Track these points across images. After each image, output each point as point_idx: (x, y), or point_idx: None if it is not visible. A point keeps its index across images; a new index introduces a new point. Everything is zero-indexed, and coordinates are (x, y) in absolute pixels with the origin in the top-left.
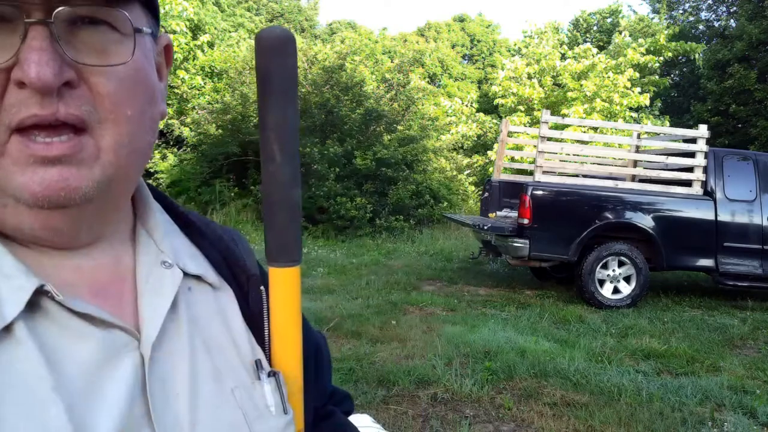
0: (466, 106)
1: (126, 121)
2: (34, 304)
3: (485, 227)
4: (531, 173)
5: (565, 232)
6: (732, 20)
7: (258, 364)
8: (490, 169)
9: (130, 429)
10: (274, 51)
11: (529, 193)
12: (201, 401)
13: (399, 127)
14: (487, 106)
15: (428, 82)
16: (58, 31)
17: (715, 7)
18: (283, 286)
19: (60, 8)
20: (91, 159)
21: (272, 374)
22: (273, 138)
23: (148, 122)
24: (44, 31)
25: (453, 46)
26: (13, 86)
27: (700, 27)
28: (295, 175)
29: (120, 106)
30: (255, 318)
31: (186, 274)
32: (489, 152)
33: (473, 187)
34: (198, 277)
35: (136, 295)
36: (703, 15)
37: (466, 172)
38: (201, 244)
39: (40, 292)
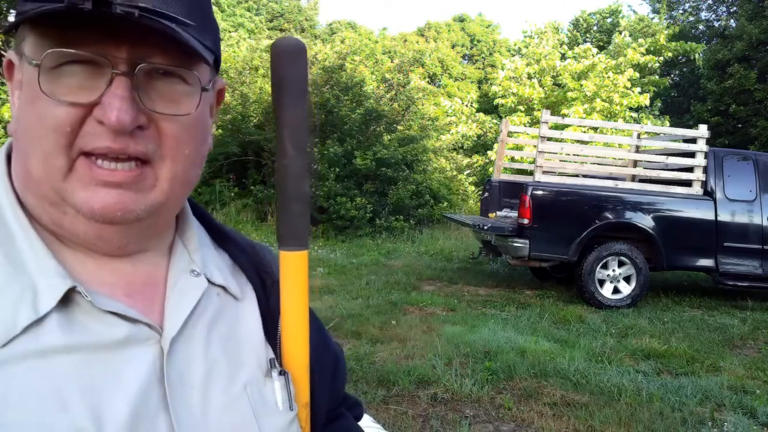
0: (466, 106)
1: (183, 158)
2: (70, 301)
3: (485, 227)
4: (531, 173)
5: (565, 232)
6: (732, 20)
7: (272, 362)
8: (490, 169)
9: (146, 411)
10: (289, 59)
11: (529, 193)
12: (214, 394)
13: (399, 127)
14: (487, 106)
15: (428, 82)
16: (138, 82)
17: (715, 7)
18: (294, 269)
19: (142, 65)
20: (148, 188)
21: (283, 373)
22: (287, 135)
23: (199, 159)
24: (127, 81)
25: (453, 46)
26: (92, 120)
27: (700, 27)
28: (305, 169)
29: (180, 147)
30: (272, 317)
31: (213, 283)
32: (489, 152)
33: (473, 187)
34: (224, 288)
35: (165, 298)
36: (703, 15)
37: (466, 172)
38: (232, 252)
39: (74, 291)
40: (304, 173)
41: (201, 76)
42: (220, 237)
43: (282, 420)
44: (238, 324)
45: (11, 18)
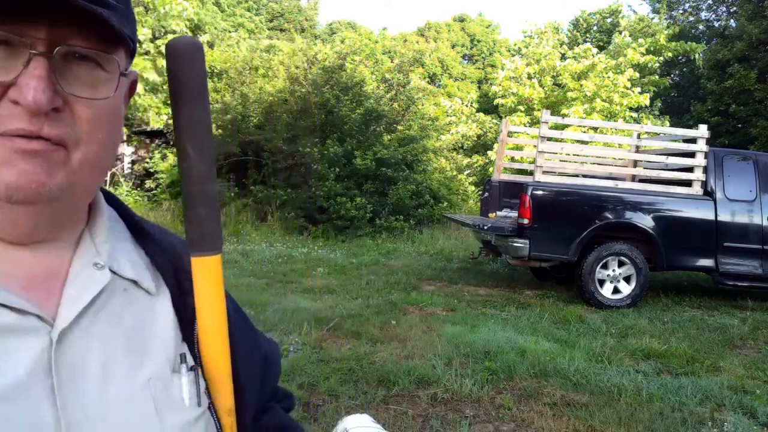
0: (466, 106)
1: (97, 143)
2: None
3: (485, 227)
4: (531, 173)
5: (565, 232)
6: (732, 20)
7: (182, 357)
8: (490, 169)
9: (28, 403)
10: (183, 58)
11: (529, 193)
12: (112, 388)
13: (399, 127)
14: (487, 106)
15: (428, 82)
16: (56, 64)
17: (715, 7)
18: (206, 274)
19: (61, 46)
20: (61, 163)
21: (192, 368)
22: (186, 137)
23: (112, 145)
24: (45, 62)
25: (453, 46)
26: (7, 101)
27: (700, 27)
28: (210, 170)
29: (94, 131)
30: (189, 320)
31: (121, 277)
32: (489, 152)
33: (473, 187)
34: (134, 282)
35: (63, 291)
36: (703, 15)
37: (466, 172)
38: (151, 250)
39: None
40: (209, 175)
41: (120, 62)
42: (140, 234)
43: (187, 415)
44: (148, 319)
45: None
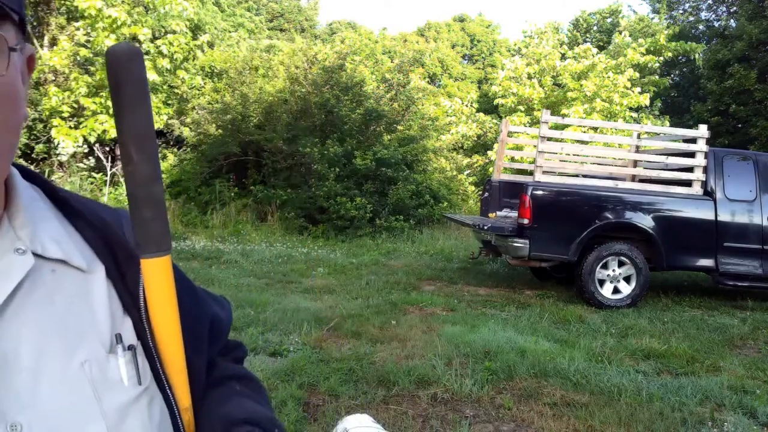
0: (466, 106)
1: None
2: None
3: (485, 227)
4: (531, 173)
5: (565, 232)
6: (732, 20)
7: (118, 338)
8: (490, 169)
9: None
10: (122, 64)
11: (529, 193)
12: (46, 375)
13: (399, 127)
14: (487, 106)
15: (428, 82)
16: None
17: (715, 7)
18: (156, 275)
19: None
20: None
21: (130, 348)
22: (128, 141)
23: (13, 127)
24: None
25: (453, 46)
26: None
27: (700, 27)
28: (154, 172)
29: None
30: (130, 294)
31: (47, 258)
32: (489, 152)
33: (473, 187)
34: (63, 261)
35: None
36: (703, 15)
37: (466, 172)
38: (80, 225)
39: None
40: (153, 177)
41: (7, 37)
42: (67, 210)
43: (126, 396)
44: (81, 299)
45: None
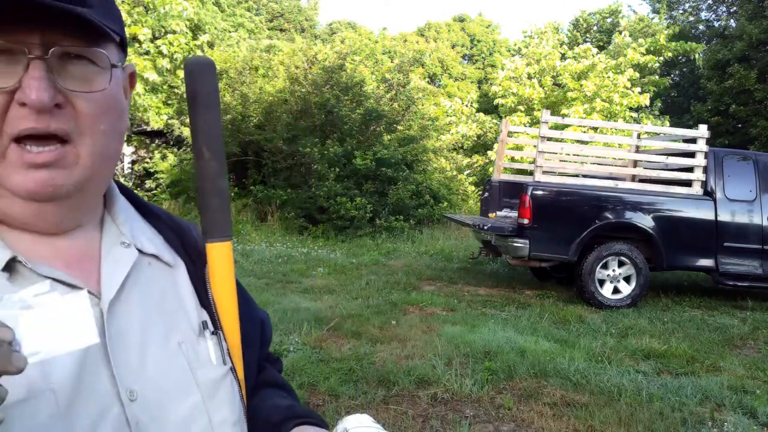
0: (466, 106)
1: (100, 134)
2: (12, 270)
3: (485, 227)
4: (531, 173)
5: (565, 232)
6: (732, 20)
7: (204, 324)
8: (490, 169)
9: (88, 365)
10: (199, 74)
11: (529, 193)
12: (150, 349)
13: (399, 127)
14: (487, 106)
15: (428, 82)
16: (52, 65)
17: (715, 7)
18: (219, 258)
19: (54, 48)
20: (71, 164)
21: (215, 333)
22: (201, 139)
23: (117, 135)
24: (42, 64)
25: (453, 46)
26: (15, 104)
27: (700, 27)
28: (221, 168)
29: (96, 123)
30: (203, 286)
31: (143, 253)
32: (489, 152)
33: (473, 187)
34: (156, 257)
35: (100, 268)
36: (703, 15)
37: (466, 172)
38: (160, 228)
39: (15, 261)
40: (220, 172)
41: (109, 55)
42: (148, 214)
43: (216, 372)
44: (170, 289)
45: None
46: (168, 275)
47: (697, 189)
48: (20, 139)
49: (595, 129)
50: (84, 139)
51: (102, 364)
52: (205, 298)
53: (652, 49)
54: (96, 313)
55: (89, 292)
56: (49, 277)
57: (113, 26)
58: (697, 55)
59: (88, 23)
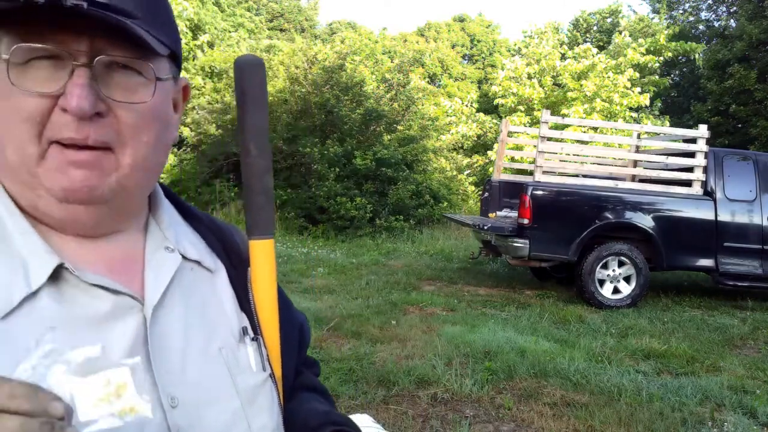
0: (466, 106)
1: (143, 145)
2: (59, 277)
3: (485, 227)
4: (531, 173)
5: (565, 232)
6: (732, 20)
7: (244, 330)
8: (490, 169)
9: (134, 368)
10: (249, 72)
11: (529, 193)
12: (191, 355)
13: (399, 127)
14: (487, 106)
15: (428, 82)
16: (97, 73)
17: (715, 7)
18: (262, 255)
19: (100, 56)
20: (110, 169)
21: (255, 339)
22: (249, 137)
23: (161, 147)
24: (86, 72)
25: (453, 46)
26: (58, 109)
27: (700, 27)
28: (267, 166)
29: (138, 134)
30: (243, 291)
31: (186, 258)
32: (489, 152)
33: (473, 187)
34: (198, 262)
35: (144, 272)
36: (703, 15)
37: (466, 172)
38: (202, 232)
39: (61, 268)
40: (267, 169)
41: (156, 68)
42: (191, 218)
43: (255, 379)
44: (211, 295)
45: None
46: (209, 280)
47: (697, 189)
48: (60, 143)
49: (595, 129)
50: (125, 149)
51: (144, 370)
52: (245, 303)
53: (652, 49)
54: (139, 319)
55: (132, 296)
56: (95, 284)
57: (165, 40)
58: (697, 55)
59: (133, 35)
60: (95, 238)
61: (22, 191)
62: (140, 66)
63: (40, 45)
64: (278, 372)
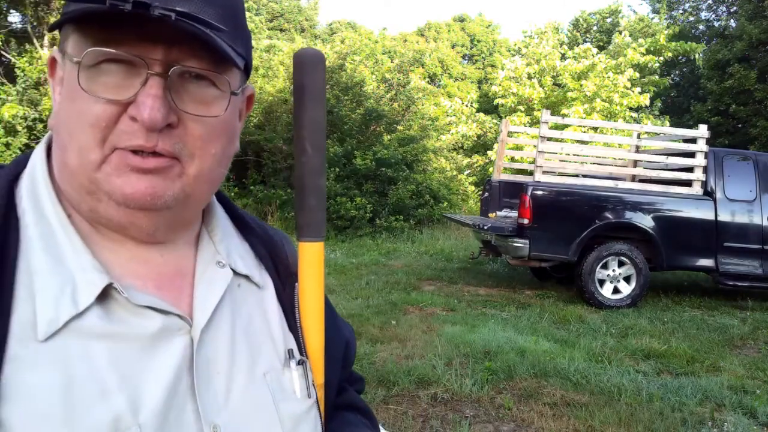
0: (466, 106)
1: (210, 157)
2: (107, 296)
3: (485, 227)
4: (531, 173)
5: (565, 232)
6: (732, 20)
7: (290, 353)
8: (490, 169)
9: (177, 398)
10: (309, 67)
11: (529, 193)
12: (236, 381)
13: (399, 127)
14: (487, 106)
15: (428, 82)
16: (171, 83)
17: (715, 7)
18: (311, 258)
19: (176, 66)
20: (175, 177)
21: (301, 362)
22: (305, 134)
23: (225, 159)
24: (161, 82)
25: (453, 46)
26: (127, 117)
27: (700, 27)
28: (322, 165)
29: (207, 147)
30: (290, 307)
31: (236, 273)
32: (489, 152)
33: (473, 187)
34: (246, 276)
35: (193, 289)
36: (703, 15)
37: (466, 172)
38: (252, 241)
39: (111, 287)
40: (321, 169)
41: (231, 81)
42: (242, 227)
43: (299, 407)
44: (258, 313)
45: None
46: (256, 297)
47: (697, 189)
48: (124, 149)
49: (595, 129)
50: (193, 160)
51: (188, 397)
52: (292, 321)
53: (652, 49)
54: (186, 341)
55: (180, 317)
56: (143, 306)
57: (241, 50)
58: (697, 55)
59: (214, 47)
60: (148, 246)
61: (81, 195)
62: (215, 78)
63: (115, 50)
64: (322, 396)
